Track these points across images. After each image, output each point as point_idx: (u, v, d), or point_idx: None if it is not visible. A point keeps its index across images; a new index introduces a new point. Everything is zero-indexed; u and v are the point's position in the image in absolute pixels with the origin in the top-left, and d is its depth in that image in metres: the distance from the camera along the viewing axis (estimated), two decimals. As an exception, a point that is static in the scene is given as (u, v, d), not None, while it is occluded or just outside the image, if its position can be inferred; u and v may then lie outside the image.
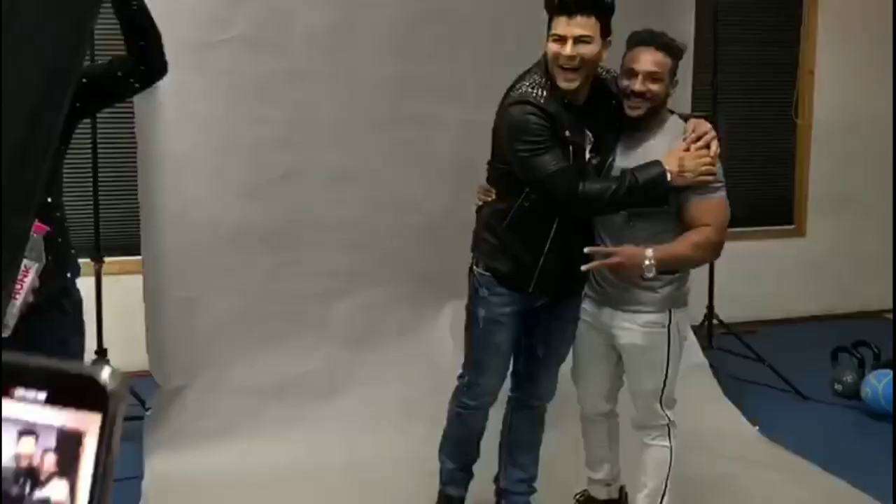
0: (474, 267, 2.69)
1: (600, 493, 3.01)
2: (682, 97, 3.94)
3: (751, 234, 5.55)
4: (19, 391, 0.41)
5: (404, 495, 3.17)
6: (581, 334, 2.77)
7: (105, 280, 3.82)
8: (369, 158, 3.64)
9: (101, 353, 3.76)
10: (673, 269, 2.58)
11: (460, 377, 2.80)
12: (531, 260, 2.57)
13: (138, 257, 3.62)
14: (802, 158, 5.61)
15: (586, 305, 2.74)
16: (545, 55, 2.44)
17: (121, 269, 4.07)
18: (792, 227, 5.69)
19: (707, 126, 2.55)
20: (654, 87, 2.45)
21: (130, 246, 3.92)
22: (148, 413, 3.51)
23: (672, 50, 2.49)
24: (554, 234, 2.54)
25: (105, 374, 0.41)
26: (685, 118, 2.61)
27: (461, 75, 3.63)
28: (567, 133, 2.41)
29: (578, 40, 2.32)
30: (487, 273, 2.64)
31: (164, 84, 3.30)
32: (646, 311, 2.60)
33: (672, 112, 2.60)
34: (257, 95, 3.48)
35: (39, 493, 0.40)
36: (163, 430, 3.43)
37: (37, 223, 1.89)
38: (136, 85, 2.23)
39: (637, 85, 2.44)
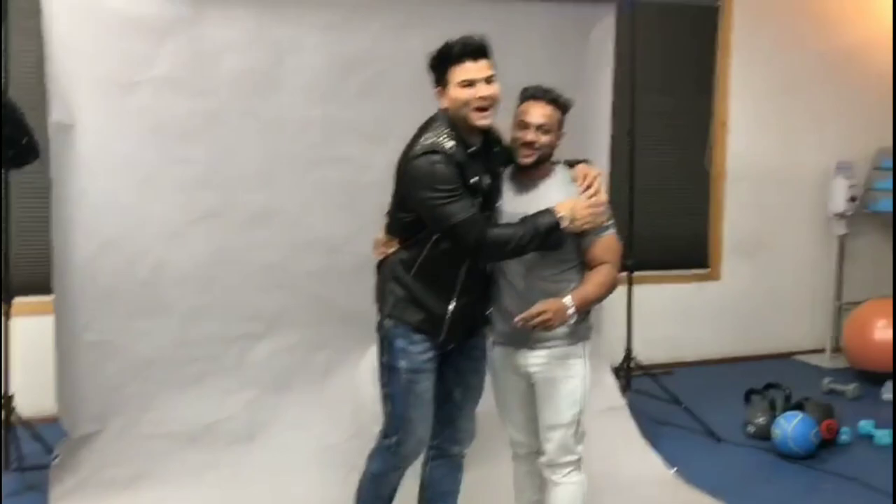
0: (384, 321, 2.68)
1: None
2: (600, 144, 4.06)
3: (668, 277, 5.70)
4: None
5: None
6: (500, 381, 2.84)
7: (14, 321, 3.69)
8: (293, 200, 3.62)
9: (6, 398, 3.62)
10: None
11: (384, 438, 2.72)
12: (441, 308, 2.63)
13: (49, 297, 3.50)
14: (716, 205, 5.82)
15: (498, 353, 2.81)
16: (444, 110, 2.57)
17: (31, 309, 3.94)
18: (707, 270, 5.87)
19: (594, 171, 2.73)
20: (544, 138, 2.64)
21: (41, 285, 3.79)
22: (55, 461, 3.37)
23: (560, 104, 2.67)
24: (463, 280, 2.62)
25: None
26: (570, 164, 2.77)
27: (386, 118, 3.64)
28: (474, 179, 2.54)
29: (488, 80, 2.50)
30: (401, 323, 2.65)
31: (81, 123, 3.29)
32: (561, 344, 2.71)
33: (556, 161, 2.76)
34: (179, 135, 3.43)
35: None
36: (70, 478, 3.31)
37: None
38: (12, 166, 2.24)
39: (529, 136, 2.62)
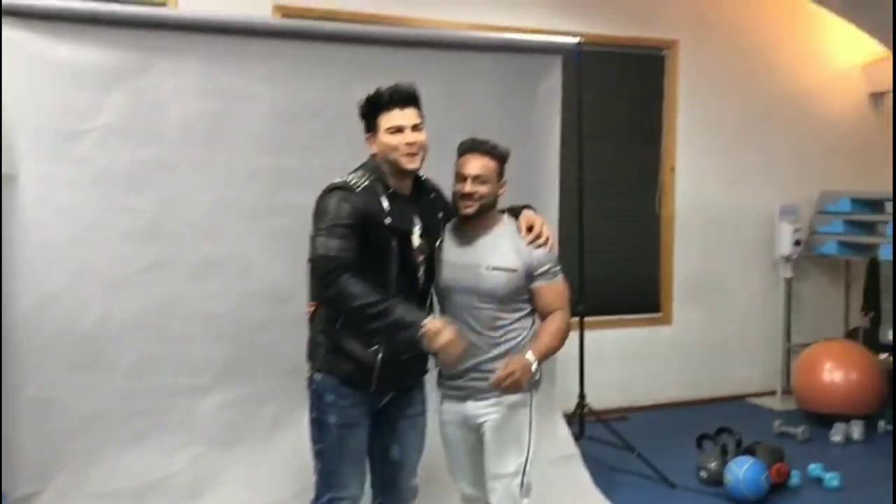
0: (314, 375, 2.65)
1: None
2: (550, 192, 4.10)
3: (620, 322, 5.74)
4: None
5: None
6: (451, 435, 2.82)
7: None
8: (242, 249, 3.58)
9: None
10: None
11: (317, 499, 2.66)
12: (369, 358, 2.59)
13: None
14: (666, 249, 5.89)
15: (448, 406, 2.80)
16: (373, 156, 2.62)
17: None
18: (658, 314, 5.92)
19: (538, 219, 2.76)
20: (482, 188, 2.68)
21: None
22: (-9, 524, 3.26)
23: (496, 154, 2.72)
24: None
25: None
26: (515, 213, 2.80)
27: (335, 168, 3.60)
28: (388, 220, 2.54)
29: (414, 128, 2.56)
30: (330, 376, 2.61)
31: (25, 173, 3.23)
32: (510, 392, 2.69)
33: (502, 211, 2.80)
34: (124, 185, 3.39)
35: None
36: (8, 542, 3.19)
37: None
38: None
39: (467, 187, 2.67)
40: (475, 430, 2.75)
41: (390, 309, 2.44)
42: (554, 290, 2.75)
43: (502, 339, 2.70)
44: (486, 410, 2.71)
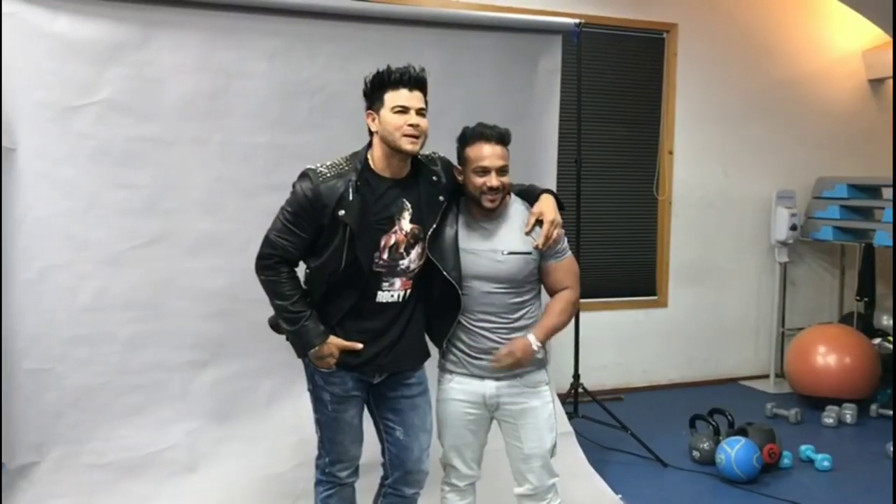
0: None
1: None
2: (548, 173, 4.10)
3: (616, 304, 5.77)
4: None
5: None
6: (457, 413, 2.78)
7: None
8: (239, 226, 3.58)
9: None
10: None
11: (319, 459, 2.76)
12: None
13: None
14: (662, 233, 5.91)
15: (461, 383, 2.76)
16: (373, 134, 2.58)
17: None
18: (655, 297, 5.95)
19: (549, 215, 2.69)
20: (505, 179, 2.65)
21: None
22: (-10, 494, 3.29)
23: (507, 140, 2.67)
24: (350, 310, 2.59)
25: None
26: (521, 192, 2.79)
27: (334, 144, 3.61)
28: (342, 212, 2.50)
29: (419, 112, 2.53)
30: None
31: (24, 147, 3.24)
32: (529, 372, 2.73)
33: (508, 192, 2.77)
34: (123, 160, 3.39)
35: None
36: (6, 512, 3.22)
37: None
38: None
39: (493, 181, 2.61)
40: (489, 409, 2.76)
41: (298, 320, 2.55)
42: (564, 267, 2.73)
43: (520, 319, 2.70)
44: (509, 391, 2.72)
